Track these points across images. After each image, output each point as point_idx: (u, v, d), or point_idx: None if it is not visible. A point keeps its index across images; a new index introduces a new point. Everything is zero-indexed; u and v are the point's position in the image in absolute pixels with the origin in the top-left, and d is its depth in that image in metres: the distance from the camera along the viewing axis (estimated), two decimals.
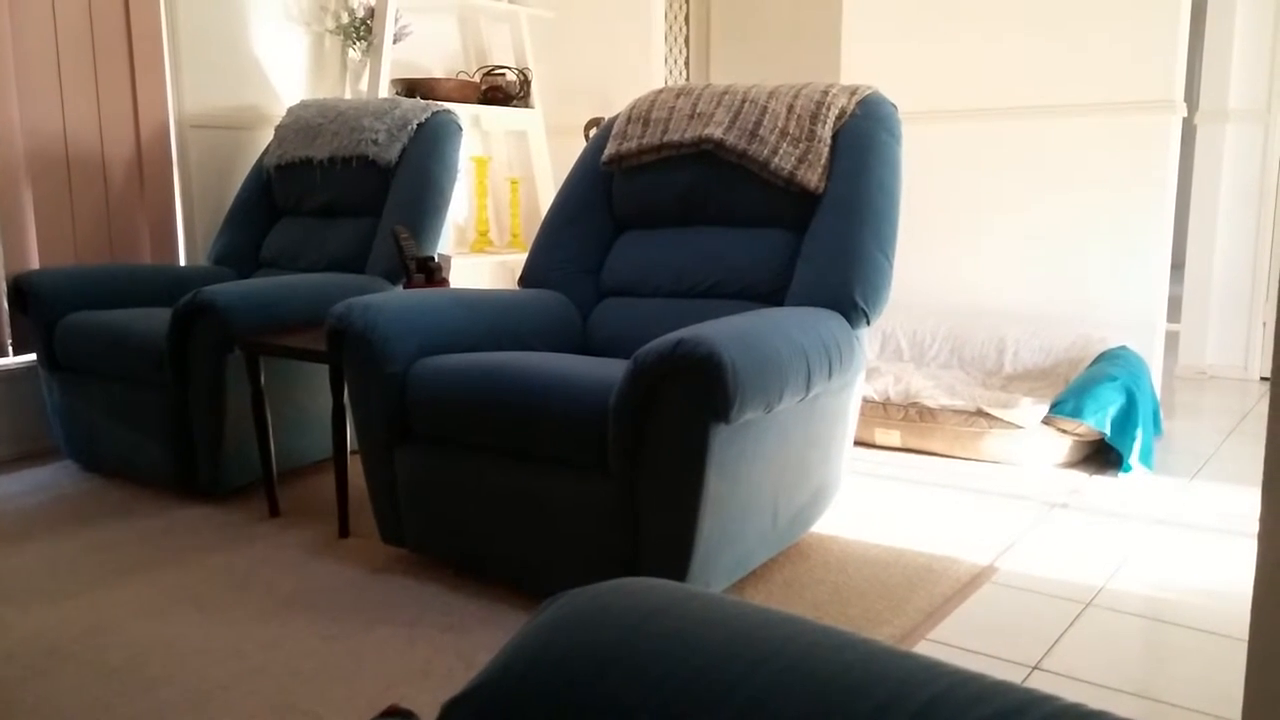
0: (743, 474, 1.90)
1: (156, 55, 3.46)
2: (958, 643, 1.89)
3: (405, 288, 2.71)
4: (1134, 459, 2.91)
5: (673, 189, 2.56)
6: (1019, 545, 2.38)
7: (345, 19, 3.93)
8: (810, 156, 2.39)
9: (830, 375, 2.06)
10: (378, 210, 3.25)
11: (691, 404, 1.76)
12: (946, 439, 3.09)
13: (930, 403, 3.15)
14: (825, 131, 2.41)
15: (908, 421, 3.14)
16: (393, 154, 3.22)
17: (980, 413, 3.08)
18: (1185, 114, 3.41)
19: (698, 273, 2.48)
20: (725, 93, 2.56)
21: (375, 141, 3.24)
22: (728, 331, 1.78)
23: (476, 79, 4.42)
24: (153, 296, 3.18)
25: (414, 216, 3.11)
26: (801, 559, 2.28)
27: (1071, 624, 1.96)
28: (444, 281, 2.71)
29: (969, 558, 2.29)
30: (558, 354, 2.18)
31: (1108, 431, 2.91)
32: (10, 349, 3.21)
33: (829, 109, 2.43)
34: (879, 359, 3.69)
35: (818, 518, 2.32)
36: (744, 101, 2.51)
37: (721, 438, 1.79)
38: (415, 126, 3.24)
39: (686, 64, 6.16)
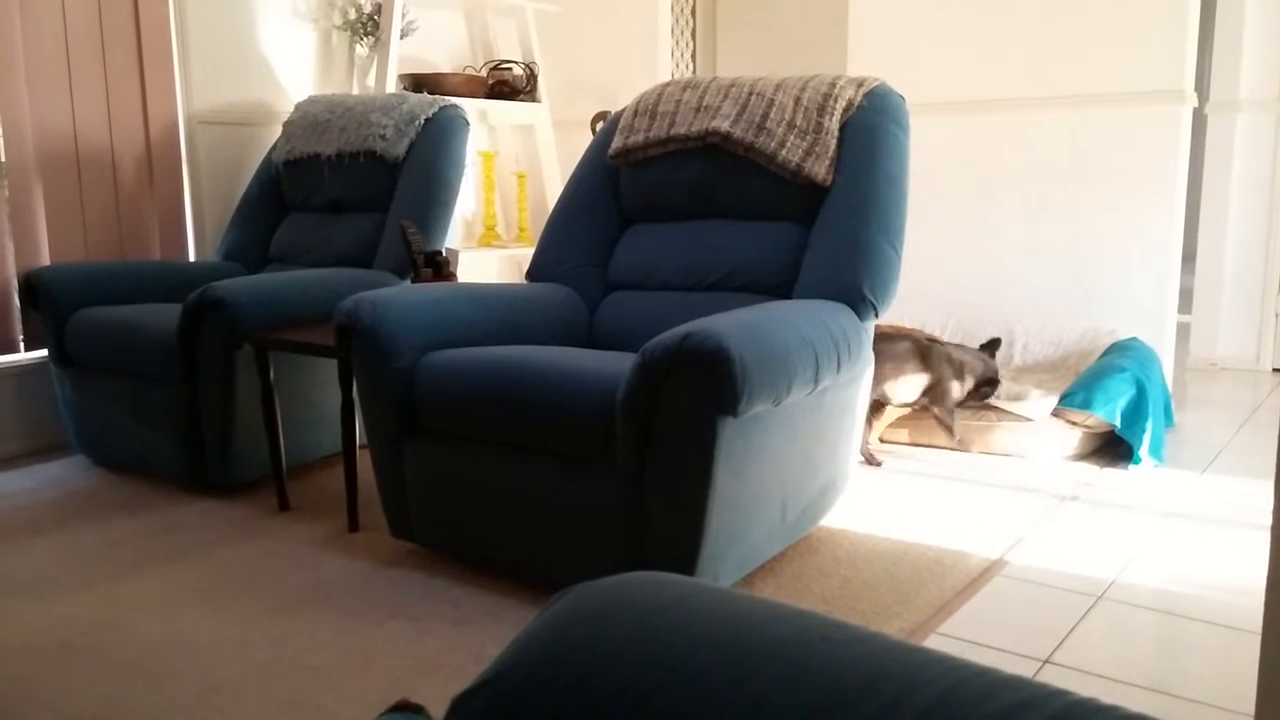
0: (751, 467, 1.90)
1: (165, 52, 3.47)
2: (968, 637, 1.88)
3: (413, 282, 2.71)
4: (1144, 451, 2.90)
5: (680, 182, 2.55)
6: (1029, 539, 2.37)
7: (352, 15, 3.93)
8: (818, 149, 2.38)
9: (838, 368, 2.05)
10: (385, 205, 3.25)
11: (699, 398, 1.76)
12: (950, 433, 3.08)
13: None
14: (832, 124, 2.40)
15: (916, 415, 3.13)
16: (400, 149, 3.22)
17: (989, 406, 3.07)
18: (1196, 104, 3.39)
19: (705, 266, 2.47)
20: (732, 85, 2.55)
21: (383, 137, 3.25)
22: (735, 325, 1.78)
23: (483, 74, 4.42)
24: (162, 292, 3.19)
25: (421, 211, 3.12)
26: (810, 553, 2.28)
27: (1083, 618, 1.95)
28: (451, 276, 2.71)
29: (979, 551, 2.29)
30: (565, 348, 2.18)
31: (1118, 423, 2.90)
32: (21, 345, 3.23)
33: (836, 101, 2.42)
34: None
35: (826, 511, 2.32)
36: (751, 94, 2.50)
37: (729, 431, 1.79)
38: (422, 122, 3.24)
39: (693, 57, 6.14)
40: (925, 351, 2.97)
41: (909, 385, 2.97)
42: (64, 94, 3.24)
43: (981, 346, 3.10)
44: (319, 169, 3.37)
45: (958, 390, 2.99)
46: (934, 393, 2.98)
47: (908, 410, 3.08)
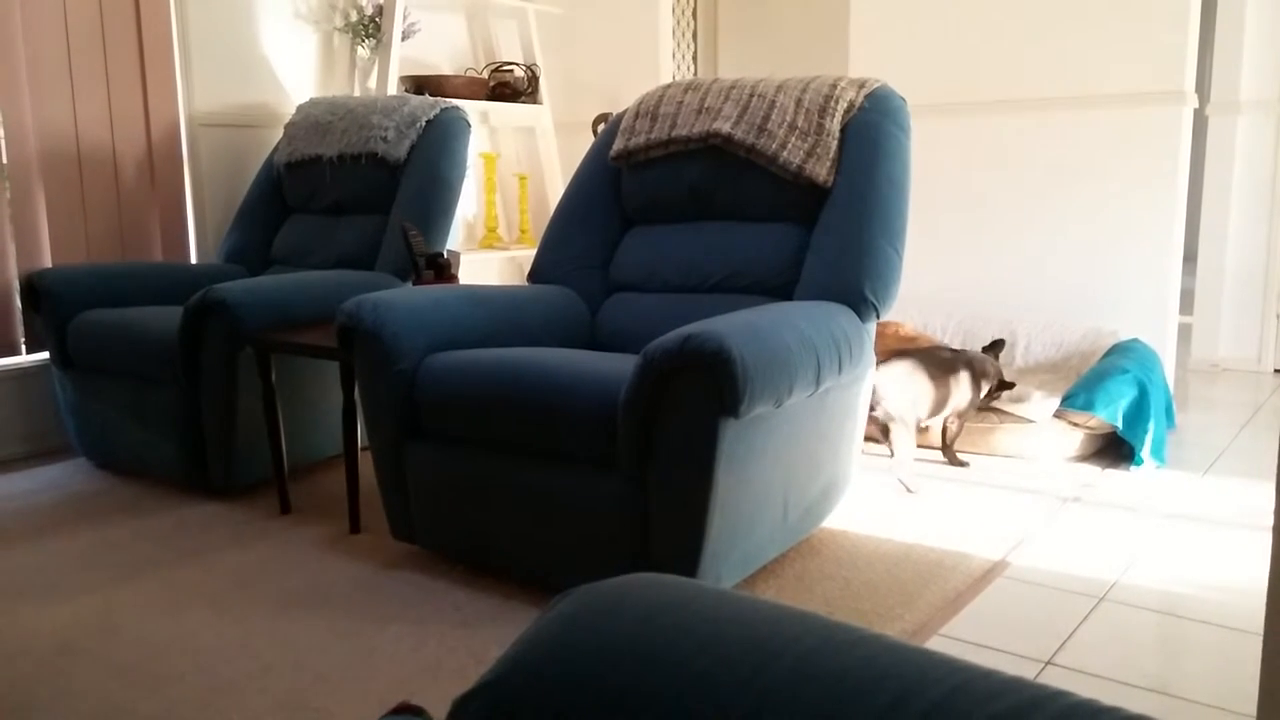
0: (752, 469, 1.90)
1: (167, 54, 3.47)
2: (970, 638, 1.88)
3: (415, 284, 2.71)
4: (1146, 453, 2.90)
5: (681, 184, 2.56)
6: (1031, 540, 2.37)
7: (354, 17, 3.93)
8: (819, 150, 2.38)
9: (840, 370, 2.05)
10: (387, 207, 3.26)
11: (701, 399, 1.76)
12: (960, 434, 3.07)
13: None
14: (834, 125, 2.40)
15: None
16: (402, 151, 3.22)
17: (991, 408, 3.07)
18: (1196, 105, 3.39)
19: (706, 267, 2.47)
20: (733, 87, 2.55)
21: (384, 139, 3.25)
22: (737, 326, 1.78)
23: (485, 75, 4.42)
24: (164, 294, 3.20)
25: (423, 213, 3.12)
26: (813, 554, 2.27)
27: (1084, 619, 1.95)
28: (453, 278, 2.71)
29: (981, 553, 2.29)
30: (566, 349, 2.18)
31: (1119, 425, 2.90)
32: (23, 347, 3.23)
33: (837, 102, 2.42)
34: None
35: (828, 513, 2.32)
36: (752, 95, 2.50)
37: (731, 433, 1.79)
38: (424, 124, 3.25)
39: (694, 59, 6.15)
40: (952, 363, 2.89)
41: (943, 400, 2.89)
42: (66, 95, 3.24)
43: (985, 349, 3.08)
44: (320, 171, 3.37)
45: (977, 399, 2.95)
46: (961, 405, 2.91)
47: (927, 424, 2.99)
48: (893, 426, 2.72)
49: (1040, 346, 3.50)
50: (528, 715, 0.58)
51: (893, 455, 2.74)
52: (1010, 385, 2.98)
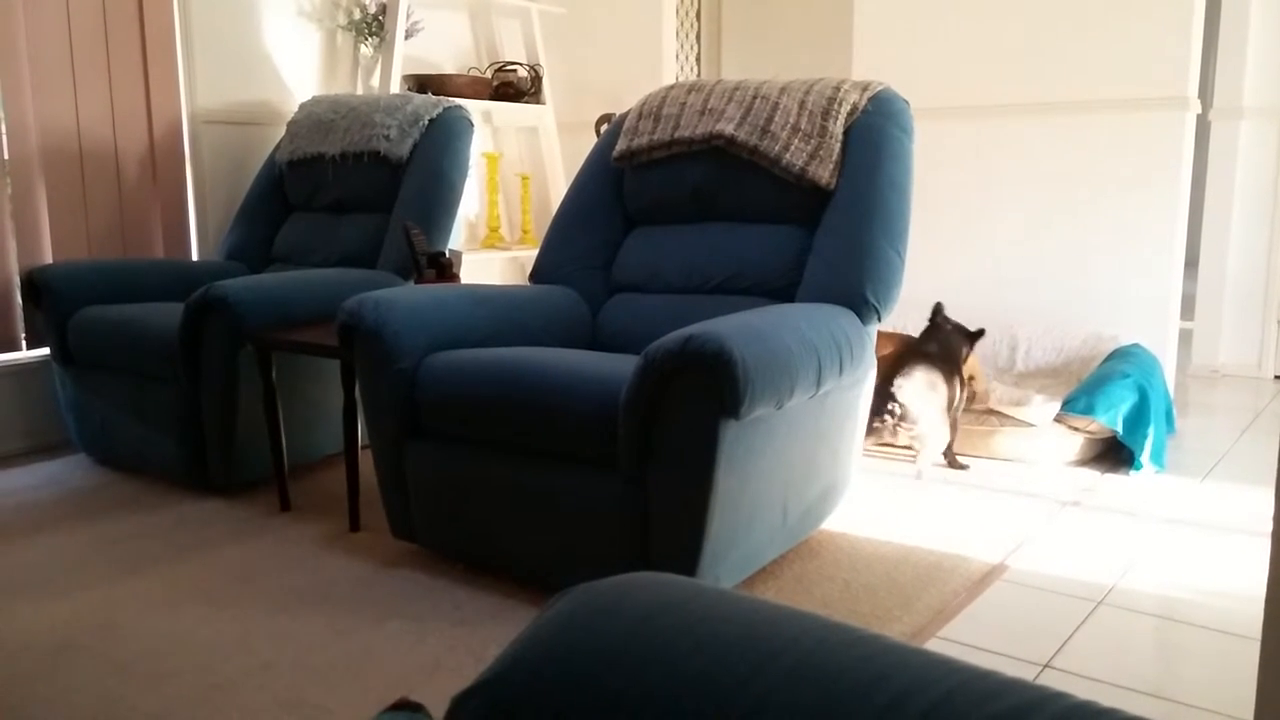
0: (753, 470, 1.90)
1: (169, 50, 3.47)
2: (968, 640, 1.88)
3: (416, 283, 2.71)
4: (1145, 457, 2.90)
5: (684, 185, 2.56)
6: (1030, 543, 2.37)
7: (357, 15, 3.93)
8: (822, 152, 2.38)
9: (841, 372, 2.05)
10: (389, 206, 3.26)
11: (701, 400, 1.76)
12: (957, 437, 3.07)
13: None
14: (837, 127, 2.40)
15: None
16: (404, 150, 3.22)
17: (991, 410, 3.07)
18: (1199, 110, 3.39)
19: (708, 268, 2.47)
20: (736, 89, 2.56)
21: (387, 138, 3.25)
22: (738, 328, 1.78)
23: (488, 75, 4.43)
24: (165, 291, 3.20)
25: (425, 212, 3.12)
26: (811, 556, 2.28)
27: (1083, 622, 1.95)
28: (455, 277, 2.72)
29: (980, 556, 2.29)
30: (568, 349, 2.18)
31: (1119, 429, 2.90)
32: (24, 343, 3.23)
33: (841, 105, 2.42)
34: None
35: (828, 515, 2.32)
36: (755, 97, 2.50)
37: (731, 434, 1.79)
38: (427, 123, 3.25)
39: (698, 60, 6.15)
40: (946, 360, 2.89)
41: (954, 397, 2.90)
42: (68, 91, 3.24)
43: (932, 318, 3.06)
44: (323, 169, 3.37)
45: (964, 386, 2.97)
46: (958, 397, 2.93)
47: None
48: (929, 439, 2.82)
49: (1041, 351, 3.50)
50: (526, 713, 0.58)
51: (919, 452, 2.84)
52: (980, 334, 2.99)
